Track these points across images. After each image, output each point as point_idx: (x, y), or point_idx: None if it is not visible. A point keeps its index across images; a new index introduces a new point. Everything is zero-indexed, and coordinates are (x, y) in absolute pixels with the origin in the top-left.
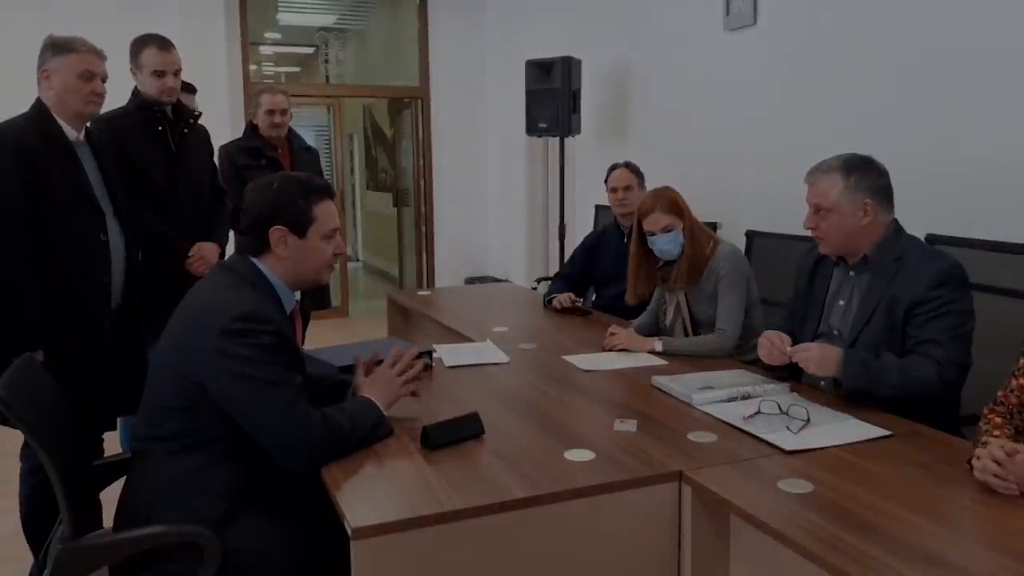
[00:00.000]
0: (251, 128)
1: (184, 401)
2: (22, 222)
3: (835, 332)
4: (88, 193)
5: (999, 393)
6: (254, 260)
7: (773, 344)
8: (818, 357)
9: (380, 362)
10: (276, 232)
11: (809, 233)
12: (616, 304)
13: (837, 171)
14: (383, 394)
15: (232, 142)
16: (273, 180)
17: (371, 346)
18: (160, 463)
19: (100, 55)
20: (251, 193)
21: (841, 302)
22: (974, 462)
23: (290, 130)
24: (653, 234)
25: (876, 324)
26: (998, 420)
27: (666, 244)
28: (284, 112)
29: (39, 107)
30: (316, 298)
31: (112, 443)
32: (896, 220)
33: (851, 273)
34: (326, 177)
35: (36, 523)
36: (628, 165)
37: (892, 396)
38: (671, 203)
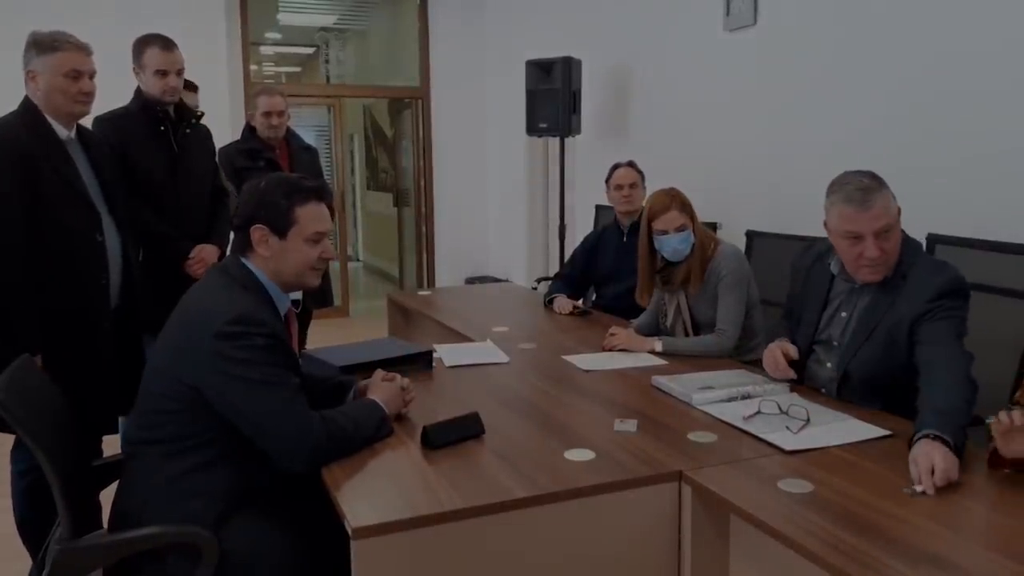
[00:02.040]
0: (249, 130)
1: (178, 404)
2: (19, 222)
3: (835, 343)
4: (83, 192)
5: (1017, 393)
6: (245, 262)
7: (777, 361)
8: (945, 468)
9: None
10: (257, 231)
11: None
12: (616, 304)
13: (879, 187)
14: (388, 399)
15: (231, 144)
16: (263, 179)
17: (371, 346)
18: (154, 466)
19: (86, 50)
20: (243, 192)
21: (843, 314)
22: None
23: (288, 130)
24: (665, 232)
25: (877, 339)
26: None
27: (679, 243)
28: (281, 114)
29: (28, 105)
30: (317, 297)
31: (112, 443)
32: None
33: (856, 285)
34: (327, 177)
35: (32, 526)
36: (631, 164)
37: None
38: (684, 203)
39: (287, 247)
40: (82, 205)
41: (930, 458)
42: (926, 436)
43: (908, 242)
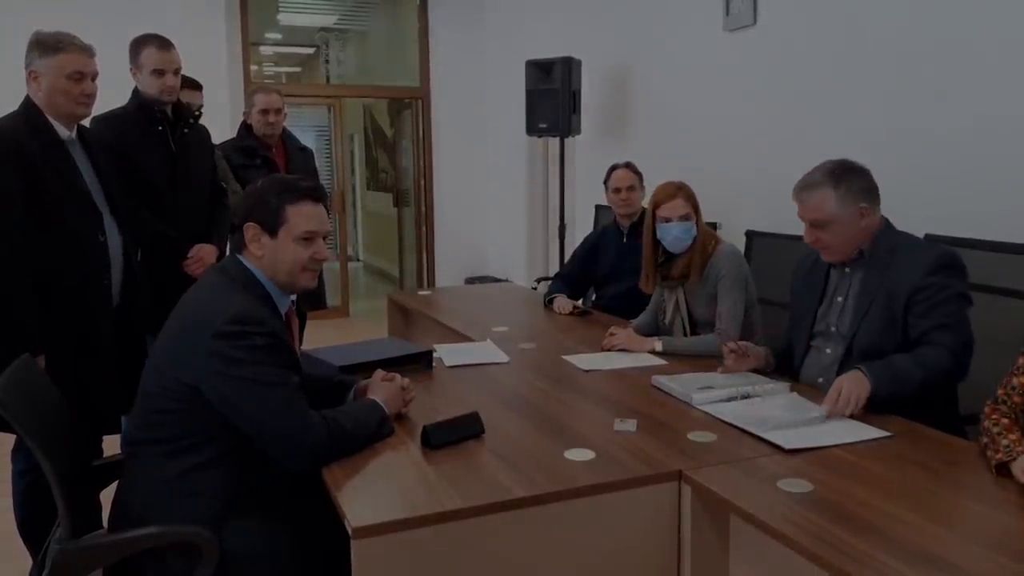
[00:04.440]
0: (245, 127)
1: (177, 404)
2: (20, 223)
3: (832, 329)
4: (84, 193)
5: (999, 391)
6: (244, 261)
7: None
8: (850, 384)
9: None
10: (249, 229)
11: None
12: (616, 304)
13: (825, 184)
14: (388, 399)
15: (227, 141)
16: (264, 180)
17: (371, 346)
18: (154, 465)
19: (89, 52)
20: (244, 192)
21: (839, 299)
22: (1013, 467)
23: (284, 130)
24: (668, 220)
25: (874, 316)
26: (1006, 421)
27: (681, 232)
28: (278, 111)
29: (29, 105)
30: (311, 299)
31: (111, 443)
32: (884, 216)
33: (847, 270)
34: (326, 177)
35: (32, 526)
36: (628, 165)
37: (920, 390)
38: (689, 195)
39: (278, 246)
40: (84, 205)
41: (840, 384)
42: (857, 368)
43: (890, 226)
